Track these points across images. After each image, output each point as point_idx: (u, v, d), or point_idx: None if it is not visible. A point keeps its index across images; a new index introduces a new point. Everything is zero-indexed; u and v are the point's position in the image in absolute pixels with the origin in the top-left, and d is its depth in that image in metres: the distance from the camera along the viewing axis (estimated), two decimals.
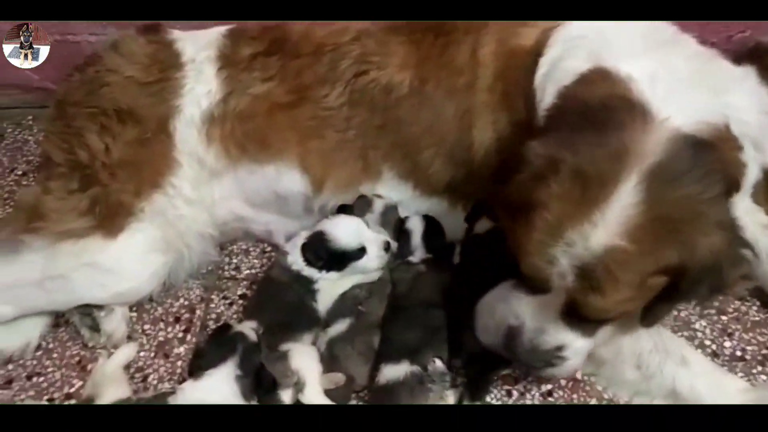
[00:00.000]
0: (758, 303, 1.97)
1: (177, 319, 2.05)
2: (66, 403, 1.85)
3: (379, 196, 2.02)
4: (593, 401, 1.77)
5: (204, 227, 2.07)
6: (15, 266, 1.88)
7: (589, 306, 1.41)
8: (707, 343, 1.88)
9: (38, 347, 1.97)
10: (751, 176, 1.61)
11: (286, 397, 1.70)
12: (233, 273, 2.18)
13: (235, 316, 2.03)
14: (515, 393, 1.80)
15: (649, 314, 1.52)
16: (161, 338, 2.00)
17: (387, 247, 1.93)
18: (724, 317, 1.94)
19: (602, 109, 1.43)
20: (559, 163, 1.37)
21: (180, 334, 2.00)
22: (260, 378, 1.68)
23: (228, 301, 2.09)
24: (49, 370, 1.93)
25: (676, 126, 1.38)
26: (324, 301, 1.88)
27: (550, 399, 1.79)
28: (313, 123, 1.97)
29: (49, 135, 2.04)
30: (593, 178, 1.34)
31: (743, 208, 1.63)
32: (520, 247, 1.44)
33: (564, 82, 1.59)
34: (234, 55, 2.01)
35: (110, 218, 1.89)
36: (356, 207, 1.99)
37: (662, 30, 1.67)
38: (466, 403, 1.71)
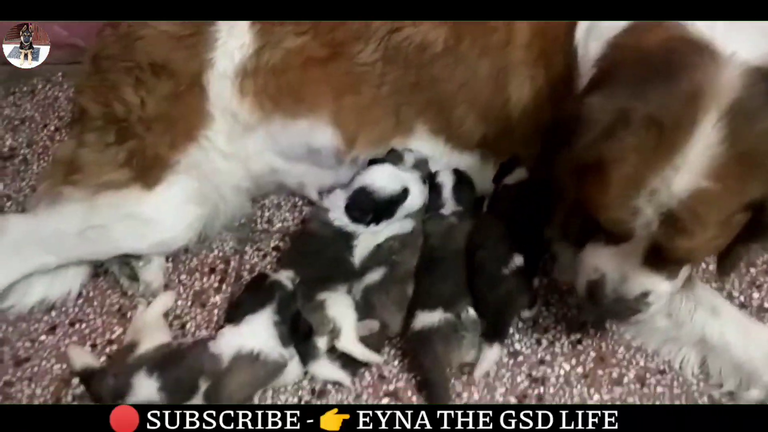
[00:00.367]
0: None
1: (212, 270, 2.09)
2: (107, 348, 1.91)
3: (410, 150, 2.03)
4: (621, 349, 1.81)
5: (239, 180, 2.09)
6: (56, 217, 1.92)
7: (676, 249, 1.40)
8: (735, 294, 1.90)
9: (79, 296, 2.03)
10: None
11: (321, 343, 1.75)
12: (266, 226, 2.20)
13: (269, 266, 2.07)
14: (544, 341, 1.84)
15: (727, 259, 1.53)
16: (197, 288, 2.04)
17: (425, 180, 1.96)
18: (753, 269, 1.96)
19: (665, 53, 1.41)
20: (630, 114, 1.35)
21: (216, 284, 2.05)
22: (297, 324, 1.73)
23: (262, 253, 2.12)
24: (91, 317, 1.99)
25: (745, 60, 1.36)
26: (360, 255, 1.91)
27: (579, 347, 1.82)
28: (346, 78, 1.97)
29: (85, 89, 2.05)
30: (669, 123, 1.32)
31: None
32: (596, 204, 1.43)
33: (611, 33, 1.57)
34: None
35: (147, 170, 1.92)
36: (388, 161, 2.01)
37: None
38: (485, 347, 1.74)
